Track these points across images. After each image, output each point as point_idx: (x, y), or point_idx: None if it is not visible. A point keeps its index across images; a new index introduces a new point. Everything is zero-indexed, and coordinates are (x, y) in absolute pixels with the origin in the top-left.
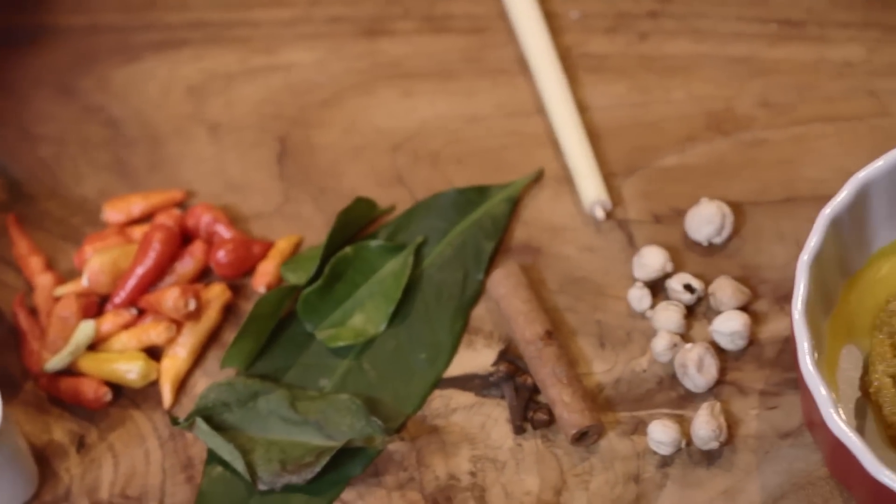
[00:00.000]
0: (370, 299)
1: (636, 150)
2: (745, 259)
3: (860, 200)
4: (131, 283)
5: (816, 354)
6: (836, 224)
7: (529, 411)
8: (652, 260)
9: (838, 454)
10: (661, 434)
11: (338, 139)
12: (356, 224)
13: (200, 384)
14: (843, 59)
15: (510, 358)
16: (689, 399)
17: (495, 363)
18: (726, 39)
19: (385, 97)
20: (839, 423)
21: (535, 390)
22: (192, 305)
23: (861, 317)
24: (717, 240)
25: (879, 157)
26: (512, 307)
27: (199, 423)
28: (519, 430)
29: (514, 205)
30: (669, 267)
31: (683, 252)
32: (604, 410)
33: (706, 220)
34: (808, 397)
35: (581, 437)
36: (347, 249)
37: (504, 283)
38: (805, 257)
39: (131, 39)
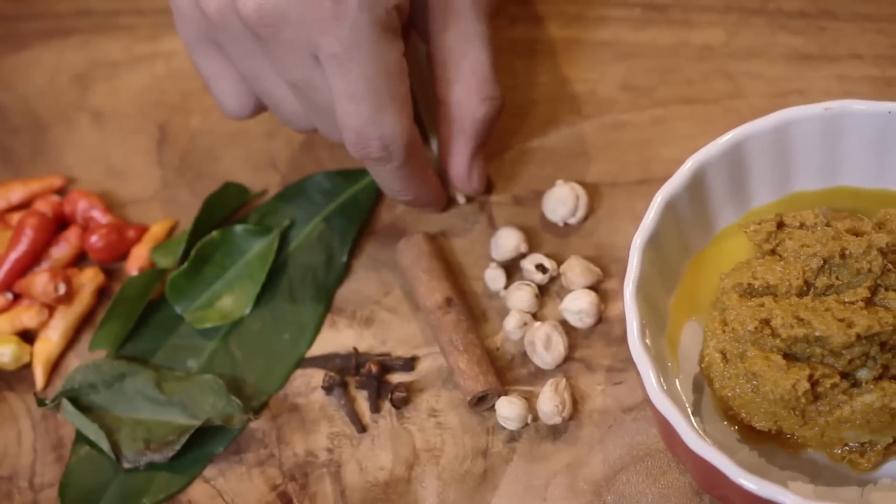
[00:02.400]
0: (237, 282)
1: (502, 133)
2: (600, 239)
3: (697, 182)
4: (5, 268)
5: (648, 332)
6: (671, 206)
7: (387, 393)
8: (507, 241)
9: (666, 428)
10: (507, 410)
11: (215, 125)
12: (226, 208)
13: (74, 366)
14: (703, 42)
15: (342, 364)
16: (538, 376)
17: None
18: (592, 24)
19: None
20: (661, 399)
21: (382, 376)
22: (61, 289)
23: (703, 294)
24: (572, 220)
25: (713, 140)
26: (414, 277)
27: (65, 403)
28: (361, 430)
29: (380, 188)
30: (524, 247)
31: (541, 233)
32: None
33: (560, 202)
34: (638, 374)
35: (479, 402)
36: (214, 233)
37: (407, 254)
38: (638, 240)
39: (20, 28)
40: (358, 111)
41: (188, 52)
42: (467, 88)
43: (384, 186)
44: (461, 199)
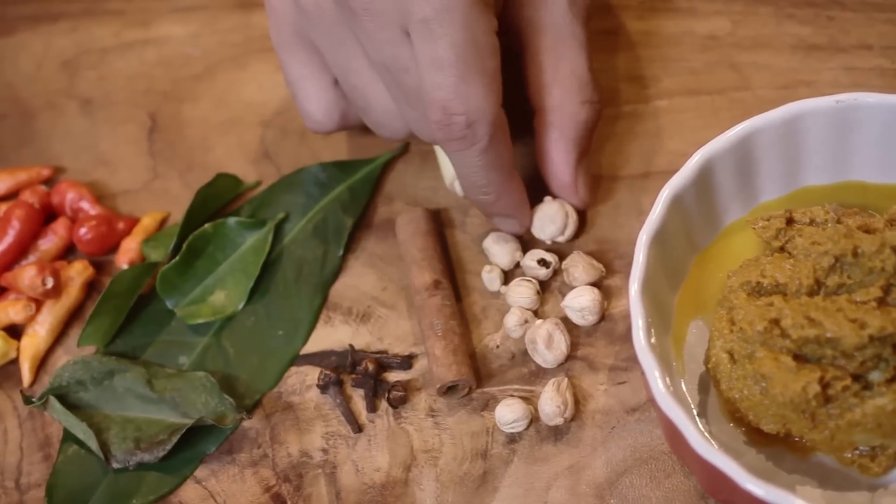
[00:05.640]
0: (230, 276)
1: None
2: (603, 234)
3: (704, 177)
4: None
5: (653, 331)
6: (678, 201)
7: (384, 392)
8: (501, 257)
9: (671, 430)
10: (507, 415)
11: (208, 114)
12: (219, 200)
13: (63, 362)
14: (708, 31)
15: (337, 361)
16: (540, 375)
17: (322, 370)
18: (595, 12)
19: (257, 71)
20: (667, 400)
21: (379, 374)
22: (49, 283)
23: (709, 292)
24: (561, 239)
25: (721, 134)
26: (408, 255)
27: (52, 401)
28: (357, 430)
29: (377, 180)
30: (518, 256)
31: (536, 239)
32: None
33: (550, 219)
34: (643, 374)
35: (449, 391)
36: (207, 226)
37: (404, 230)
38: (644, 236)
39: (6, 12)
40: (444, 81)
41: (279, 54)
42: (567, 91)
43: (466, 182)
44: (459, 191)
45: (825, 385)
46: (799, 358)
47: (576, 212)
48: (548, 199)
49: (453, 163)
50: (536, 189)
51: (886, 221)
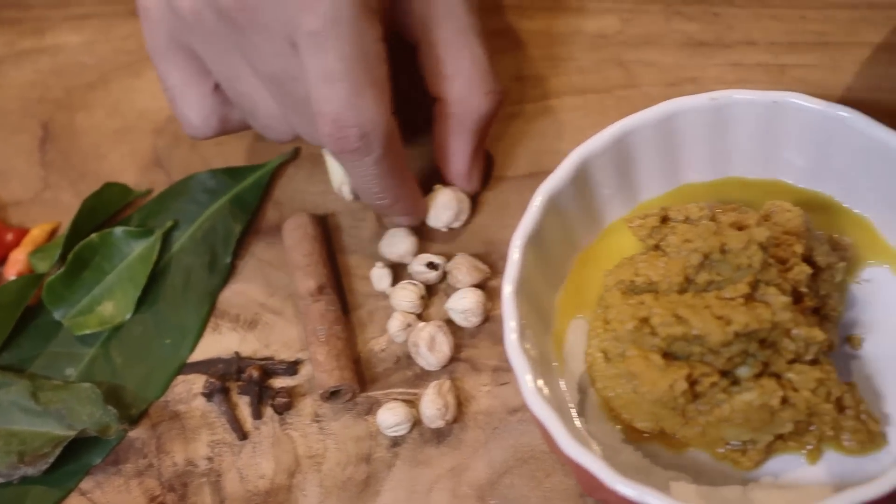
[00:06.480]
0: (118, 286)
1: None
2: (489, 235)
3: (581, 177)
4: None
5: (531, 332)
6: (554, 202)
7: (269, 399)
8: (400, 244)
9: (545, 431)
10: (388, 419)
11: (101, 122)
12: (107, 209)
13: None
14: (597, 30)
15: (224, 369)
16: (424, 378)
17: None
18: (483, 11)
19: (151, 78)
20: (537, 402)
21: (264, 381)
22: None
23: (590, 291)
24: (457, 224)
25: (596, 134)
26: (293, 260)
27: None
28: (242, 437)
29: (267, 185)
30: (412, 256)
31: (429, 229)
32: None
33: (444, 207)
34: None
35: (332, 396)
36: (93, 236)
37: (291, 235)
38: (518, 240)
39: None
40: (334, 94)
41: (154, 60)
42: (469, 82)
43: (362, 189)
44: (347, 195)
45: (693, 382)
46: (668, 356)
47: (466, 196)
48: (438, 187)
49: (347, 172)
50: (427, 177)
51: (761, 217)
